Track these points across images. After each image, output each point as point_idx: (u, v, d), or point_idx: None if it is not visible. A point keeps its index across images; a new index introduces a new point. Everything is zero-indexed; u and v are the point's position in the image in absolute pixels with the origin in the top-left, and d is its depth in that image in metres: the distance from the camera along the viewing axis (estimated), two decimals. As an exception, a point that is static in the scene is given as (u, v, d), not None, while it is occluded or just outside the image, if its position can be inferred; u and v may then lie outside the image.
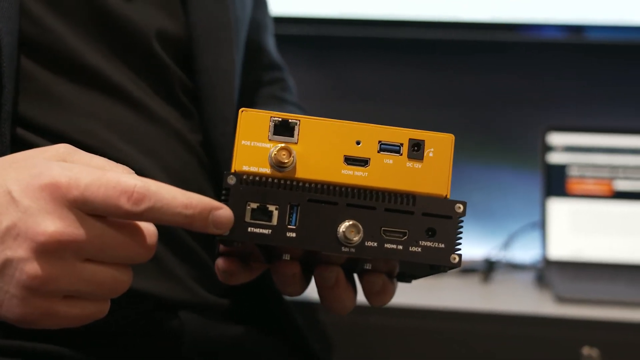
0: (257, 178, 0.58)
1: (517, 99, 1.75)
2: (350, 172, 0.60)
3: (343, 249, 0.58)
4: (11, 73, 0.69)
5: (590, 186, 1.54)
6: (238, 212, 0.58)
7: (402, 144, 0.60)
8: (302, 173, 0.59)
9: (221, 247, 0.66)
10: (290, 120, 0.60)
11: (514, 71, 1.75)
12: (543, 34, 1.68)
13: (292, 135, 0.60)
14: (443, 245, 0.58)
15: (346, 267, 0.66)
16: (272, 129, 0.60)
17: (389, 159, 0.60)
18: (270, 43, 1.09)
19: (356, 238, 0.57)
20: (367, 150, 0.60)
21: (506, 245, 1.58)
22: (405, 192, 0.59)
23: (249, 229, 0.58)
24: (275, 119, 0.60)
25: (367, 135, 0.61)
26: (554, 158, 1.56)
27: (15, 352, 0.71)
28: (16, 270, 0.54)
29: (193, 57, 0.85)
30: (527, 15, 1.67)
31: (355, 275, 0.71)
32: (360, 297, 0.72)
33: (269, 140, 0.59)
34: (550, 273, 1.43)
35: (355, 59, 1.80)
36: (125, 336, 0.77)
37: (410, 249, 0.58)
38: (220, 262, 0.68)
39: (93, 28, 0.77)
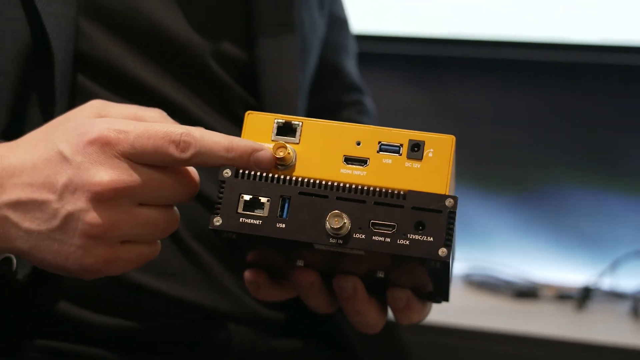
0: (254, 173, 0.60)
1: (628, 123, 1.69)
2: (349, 172, 0.61)
3: (331, 240, 0.58)
4: (64, 89, 0.73)
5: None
6: (231, 203, 0.60)
7: (401, 145, 0.61)
8: (301, 171, 0.61)
9: (249, 258, 0.68)
10: (293, 122, 0.62)
11: (624, 94, 1.70)
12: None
13: (294, 136, 0.62)
14: (432, 239, 0.58)
15: (371, 282, 0.67)
16: (275, 130, 0.62)
17: (388, 158, 0.61)
18: (349, 65, 1.09)
19: (341, 228, 0.58)
20: (367, 150, 0.61)
21: (607, 272, 1.53)
22: (402, 190, 0.59)
23: (241, 219, 0.59)
24: (279, 120, 0.62)
25: (367, 136, 0.61)
26: (664, 184, 1.50)
27: (64, 353, 0.75)
28: (78, 222, 0.58)
29: (256, 78, 0.87)
30: (637, 37, 1.62)
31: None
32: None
33: (272, 140, 0.62)
34: (648, 303, 1.38)
35: (462, 80, 1.79)
36: (172, 345, 0.79)
37: (398, 242, 0.58)
38: (247, 273, 0.70)
39: (148, 47, 0.80)
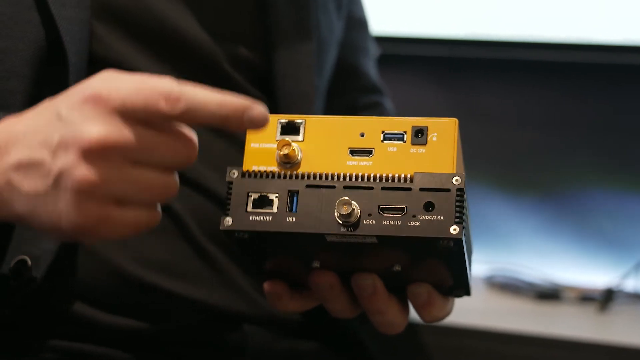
0: (260, 172, 0.61)
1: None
2: (355, 163, 0.61)
3: (342, 229, 0.58)
4: None
5: None
6: (240, 203, 0.60)
7: (405, 132, 0.61)
8: (307, 168, 0.61)
9: (266, 266, 0.68)
10: (296, 121, 0.62)
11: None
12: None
13: (298, 134, 0.62)
14: (442, 218, 0.58)
15: (390, 279, 0.67)
16: (279, 130, 0.62)
17: (392, 146, 0.61)
18: (369, 66, 1.09)
19: (351, 215, 0.58)
20: (371, 141, 0.61)
21: (630, 274, 1.51)
22: (409, 174, 0.60)
23: (251, 218, 0.60)
24: (282, 120, 0.62)
25: (370, 127, 0.62)
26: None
27: (76, 354, 0.76)
28: (68, 179, 0.56)
29: (272, 81, 0.87)
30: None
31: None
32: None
33: (276, 140, 0.62)
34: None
35: (484, 81, 1.78)
36: (186, 346, 0.80)
37: (409, 224, 0.58)
38: (266, 284, 0.69)
39: (161, 48, 0.80)
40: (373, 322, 0.71)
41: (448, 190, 0.58)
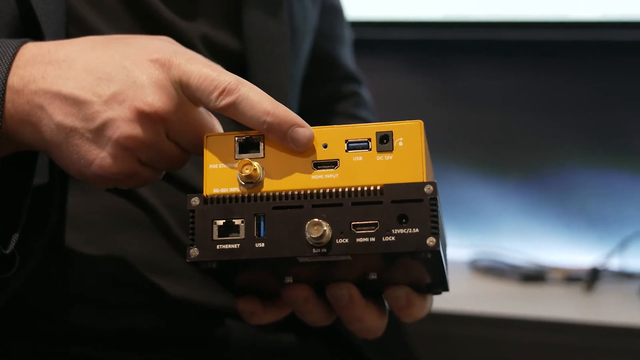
0: (223, 196, 0.58)
1: (632, 102, 1.67)
2: (321, 176, 0.58)
3: (314, 250, 0.56)
4: None
5: None
6: (205, 231, 0.58)
7: (369, 139, 0.58)
8: (271, 186, 0.59)
9: (237, 282, 0.66)
10: (254, 137, 0.60)
11: (629, 73, 1.68)
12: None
13: (258, 151, 0.60)
14: (417, 230, 0.55)
15: (365, 285, 0.65)
16: (237, 148, 0.60)
17: (358, 156, 0.58)
18: (345, 54, 1.07)
19: (322, 236, 0.56)
20: (335, 151, 0.59)
21: (615, 252, 1.51)
22: (378, 186, 0.57)
23: (218, 247, 0.57)
24: (239, 138, 0.60)
25: (333, 136, 0.59)
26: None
27: (62, 354, 0.74)
28: (115, 131, 0.59)
29: (248, 71, 0.85)
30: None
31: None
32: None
33: (235, 159, 0.59)
34: (658, 283, 1.37)
35: (464, 63, 1.77)
36: (170, 343, 0.78)
37: (383, 240, 0.56)
38: (238, 303, 0.68)
39: (137, 30, 0.79)
40: (351, 329, 0.70)
41: (421, 200, 0.56)
